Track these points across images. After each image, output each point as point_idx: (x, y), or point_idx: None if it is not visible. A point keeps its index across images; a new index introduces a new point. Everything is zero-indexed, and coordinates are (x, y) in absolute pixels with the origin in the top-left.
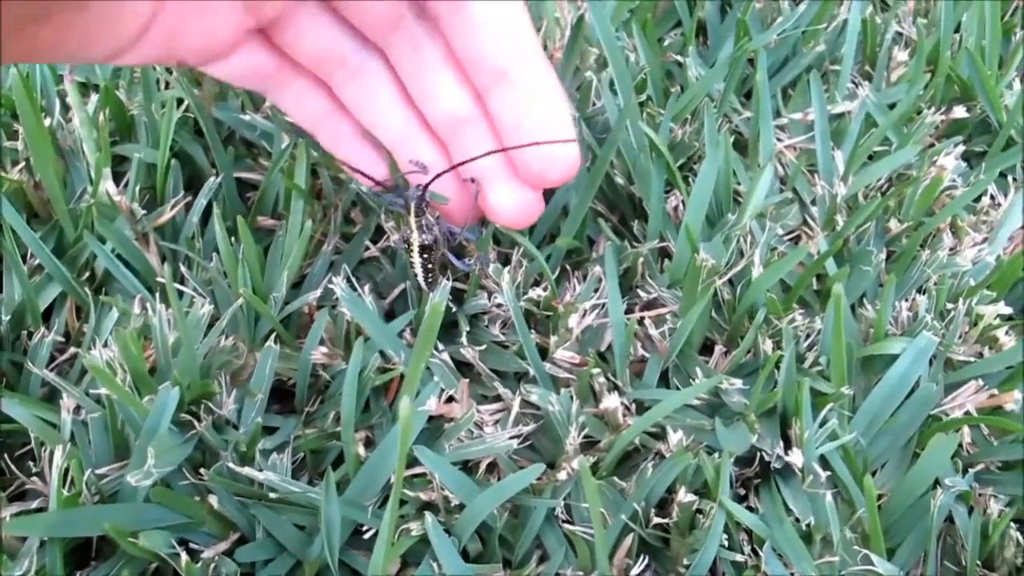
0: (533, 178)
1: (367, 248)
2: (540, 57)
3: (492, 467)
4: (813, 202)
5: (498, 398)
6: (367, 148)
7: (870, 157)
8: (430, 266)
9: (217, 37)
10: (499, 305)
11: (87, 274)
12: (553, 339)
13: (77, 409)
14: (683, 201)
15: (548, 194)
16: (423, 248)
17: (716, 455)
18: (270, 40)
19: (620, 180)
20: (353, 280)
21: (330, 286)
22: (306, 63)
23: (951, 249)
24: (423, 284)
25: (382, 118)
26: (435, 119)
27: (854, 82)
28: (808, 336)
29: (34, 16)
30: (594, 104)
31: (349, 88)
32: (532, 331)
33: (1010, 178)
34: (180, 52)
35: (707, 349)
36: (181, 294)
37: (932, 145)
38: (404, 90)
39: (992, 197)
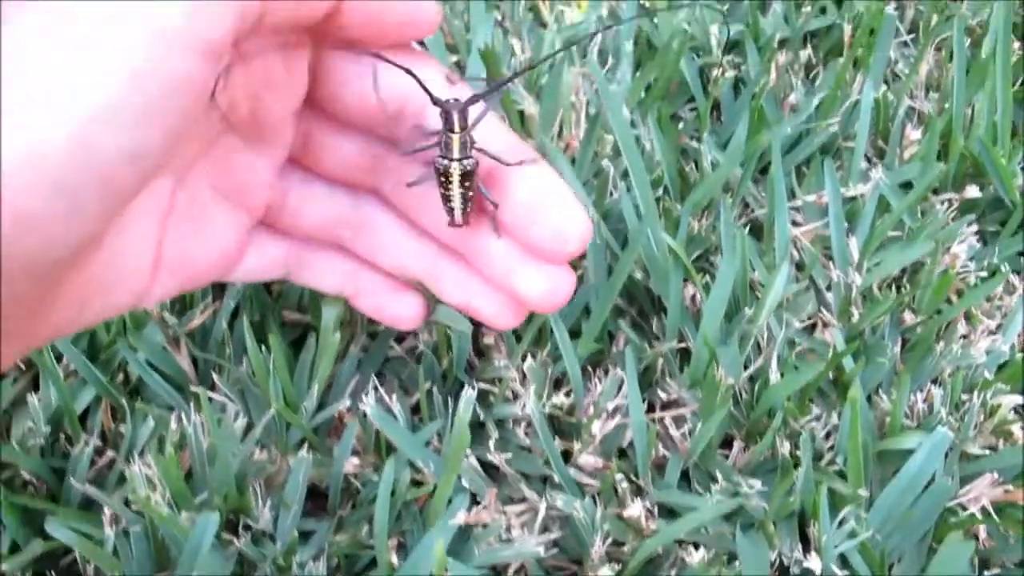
0: (553, 255)
1: (391, 348)
2: (518, 140)
3: (520, 569)
4: (828, 287)
5: (524, 499)
6: (400, 295)
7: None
8: (470, 194)
9: (224, 245)
10: (523, 407)
11: (121, 376)
12: (576, 445)
13: (117, 518)
14: (699, 292)
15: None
16: (464, 176)
17: (737, 563)
18: (273, 228)
19: (638, 274)
20: (380, 388)
21: (361, 405)
22: (313, 235)
23: (964, 336)
24: (459, 217)
25: (402, 259)
26: (448, 238)
27: (868, 158)
28: (826, 429)
29: (41, 293)
30: (611, 195)
31: (361, 242)
32: (556, 436)
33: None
34: (197, 273)
35: (726, 442)
36: (212, 400)
37: (947, 225)
38: (410, 223)
39: (1007, 281)
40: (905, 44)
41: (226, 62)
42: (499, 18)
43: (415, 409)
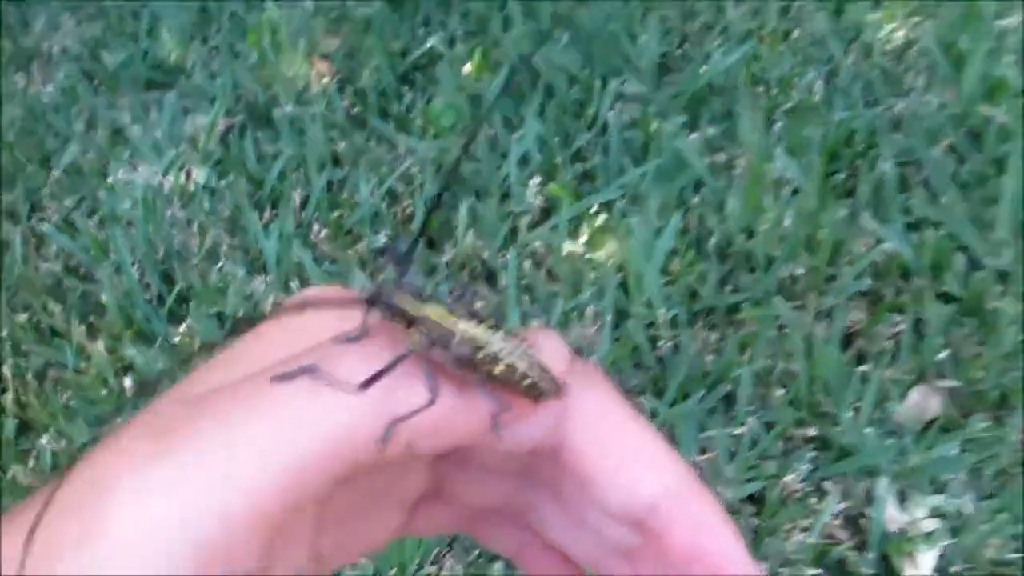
0: None
1: None
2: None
3: None
4: None
5: None
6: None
7: (755, 465)
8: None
9: (382, 534)
10: None
11: None
12: None
13: None
14: None
15: None
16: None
17: None
18: (440, 499)
19: None
20: None
21: None
22: (482, 510)
23: (787, 529)
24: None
25: (570, 547)
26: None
27: (756, 393)
28: None
29: None
30: None
31: (533, 519)
32: None
33: (834, 479)
34: (359, 551)
35: None
36: None
37: (794, 449)
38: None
39: (823, 493)
40: None
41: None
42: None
43: None
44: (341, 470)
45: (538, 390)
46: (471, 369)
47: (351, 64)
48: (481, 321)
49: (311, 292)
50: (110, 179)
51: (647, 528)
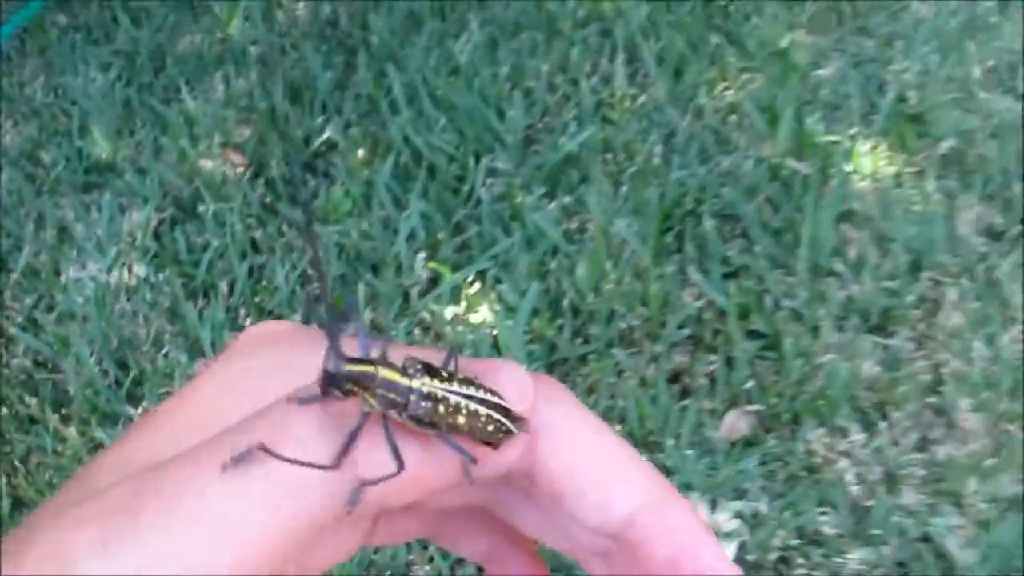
0: None
1: None
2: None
3: None
4: None
5: None
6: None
7: None
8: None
9: (343, 550)
10: None
11: None
12: None
13: None
14: None
15: None
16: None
17: None
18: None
19: None
20: None
21: None
22: (447, 512)
23: None
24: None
25: (544, 536)
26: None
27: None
28: None
29: None
30: None
31: (502, 513)
32: None
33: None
34: (319, 566)
35: None
36: None
37: None
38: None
39: None
40: None
41: None
42: None
43: None
44: (306, 537)
45: (503, 431)
46: (431, 426)
47: (262, 152)
48: (435, 374)
49: (257, 329)
50: (63, 278)
51: (623, 539)
